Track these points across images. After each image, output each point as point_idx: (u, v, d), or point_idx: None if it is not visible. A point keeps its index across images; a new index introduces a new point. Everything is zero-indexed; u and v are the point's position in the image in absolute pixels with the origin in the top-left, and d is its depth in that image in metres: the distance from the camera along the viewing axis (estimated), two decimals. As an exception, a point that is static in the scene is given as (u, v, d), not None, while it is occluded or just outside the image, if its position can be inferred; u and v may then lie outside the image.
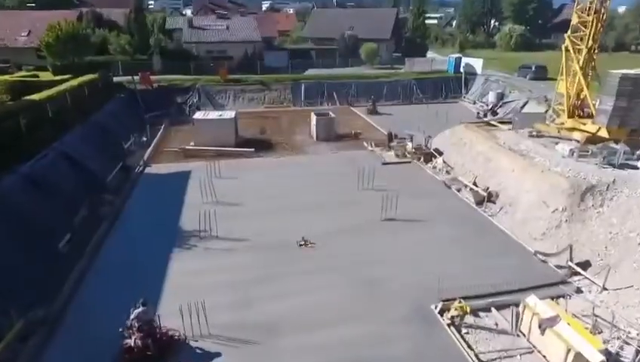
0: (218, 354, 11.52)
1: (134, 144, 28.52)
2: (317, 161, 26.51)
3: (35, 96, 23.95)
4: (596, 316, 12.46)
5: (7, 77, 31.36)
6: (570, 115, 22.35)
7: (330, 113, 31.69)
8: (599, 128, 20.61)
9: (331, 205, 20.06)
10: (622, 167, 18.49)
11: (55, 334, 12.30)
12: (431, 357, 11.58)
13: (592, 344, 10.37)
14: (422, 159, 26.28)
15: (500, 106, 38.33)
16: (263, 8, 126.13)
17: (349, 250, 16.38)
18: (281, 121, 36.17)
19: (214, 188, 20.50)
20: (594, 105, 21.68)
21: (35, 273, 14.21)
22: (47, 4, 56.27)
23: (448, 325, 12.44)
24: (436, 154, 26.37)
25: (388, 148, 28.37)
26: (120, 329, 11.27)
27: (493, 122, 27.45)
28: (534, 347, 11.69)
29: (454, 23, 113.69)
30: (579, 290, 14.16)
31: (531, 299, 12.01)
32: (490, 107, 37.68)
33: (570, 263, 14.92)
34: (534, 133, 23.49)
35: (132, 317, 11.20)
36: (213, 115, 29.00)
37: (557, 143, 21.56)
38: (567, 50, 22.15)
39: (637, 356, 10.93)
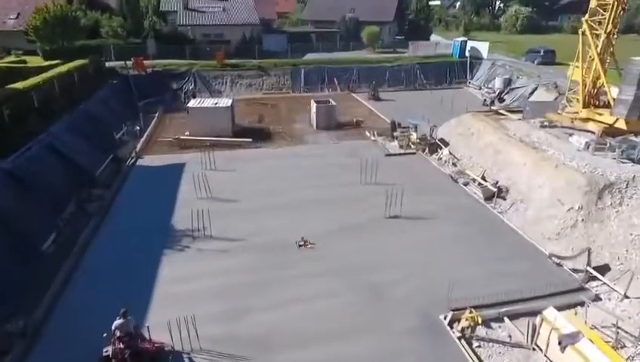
0: (209, 371, 10.68)
1: (127, 133, 27.33)
2: (317, 152, 25.36)
3: (20, 85, 22.65)
4: (618, 328, 11.54)
5: (-8, 62, 30.04)
6: (585, 105, 21.10)
7: (331, 100, 30.39)
8: (617, 119, 19.41)
9: (332, 201, 19.02)
10: (642, 161, 17.42)
11: (37, 344, 11.44)
12: (440, 375, 10.74)
13: (616, 363, 9.48)
14: (427, 150, 25.14)
15: (507, 92, 36.92)
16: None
17: (351, 251, 15.41)
18: (279, 108, 34.87)
19: (209, 182, 19.41)
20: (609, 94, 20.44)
21: (15, 278, 13.30)
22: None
23: (459, 338, 11.54)
24: (442, 144, 25.20)
25: (391, 138, 27.19)
26: (104, 335, 10.42)
27: (502, 111, 26.12)
28: (552, 363, 10.82)
29: (458, 5, 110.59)
30: (597, 298, 13.23)
31: (550, 312, 11.08)
32: (496, 94, 36.23)
33: (587, 268, 13.94)
34: (546, 124, 22.29)
35: (113, 327, 10.37)
36: (208, 103, 27.73)
37: (571, 135, 20.41)
38: (583, 34, 20.74)
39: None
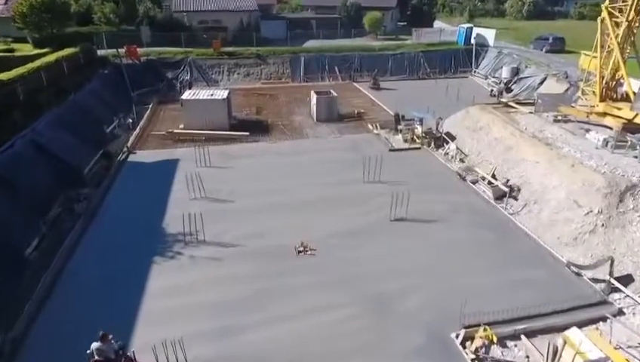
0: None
1: (118, 127, 26.13)
2: (318, 146, 24.19)
3: (3, 76, 21.41)
4: (646, 349, 10.60)
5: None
6: (603, 98, 19.87)
7: (332, 91, 29.09)
8: (637, 115, 18.21)
9: (333, 201, 17.95)
10: (665, 160, 16.29)
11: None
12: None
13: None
14: (432, 144, 23.98)
15: (515, 82, 35.55)
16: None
17: (354, 257, 14.40)
18: (278, 98, 33.55)
19: (204, 180, 18.31)
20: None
21: (-8, 290, 12.32)
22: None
23: (472, 360, 10.58)
24: (448, 139, 24.03)
25: (395, 132, 26.01)
26: (87, 351, 9.47)
27: (511, 103, 24.85)
28: (575, 389, 9.88)
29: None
30: (621, 312, 12.26)
31: (574, 334, 10.09)
32: (504, 84, 34.82)
33: (609, 278, 12.94)
34: (560, 118, 21.09)
35: (91, 348, 9.41)
36: (203, 94, 26.43)
37: (587, 131, 19.23)
38: (602, 22, 19.40)
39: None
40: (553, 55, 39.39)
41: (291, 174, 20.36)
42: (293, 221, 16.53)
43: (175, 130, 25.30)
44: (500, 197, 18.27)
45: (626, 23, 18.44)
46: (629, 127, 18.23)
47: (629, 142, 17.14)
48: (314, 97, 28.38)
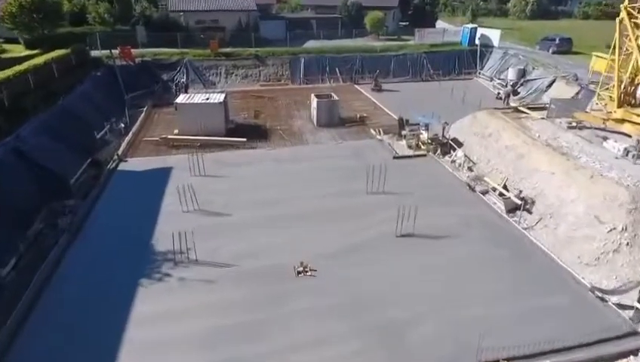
0: None
1: (110, 132, 24.97)
2: (318, 153, 23.06)
3: (-14, 80, 20.32)
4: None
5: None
6: (621, 104, 18.75)
7: (333, 95, 27.93)
8: (659, 122, 17.12)
9: (335, 214, 16.83)
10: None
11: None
12: None
13: None
14: (439, 151, 22.85)
15: (521, 85, 34.42)
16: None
17: (358, 279, 13.29)
18: (277, 101, 32.41)
19: (197, 190, 17.22)
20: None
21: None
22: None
23: (492, 403, 9.49)
24: (455, 145, 22.90)
25: (399, 137, 24.89)
26: None
27: (522, 108, 23.70)
28: None
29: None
30: (653, 344, 11.15)
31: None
32: (511, 86, 33.66)
33: (638, 305, 11.82)
34: (574, 124, 19.97)
35: None
36: (198, 98, 25.29)
37: (605, 139, 18.11)
38: (621, 22, 18.28)
39: None
40: (560, 56, 38.27)
41: (290, 184, 19.24)
42: (292, 236, 15.43)
43: (169, 136, 24.16)
44: (512, 210, 17.16)
45: (647, 24, 17.33)
46: (651, 136, 17.14)
47: (653, 153, 16.04)
48: (314, 101, 27.24)
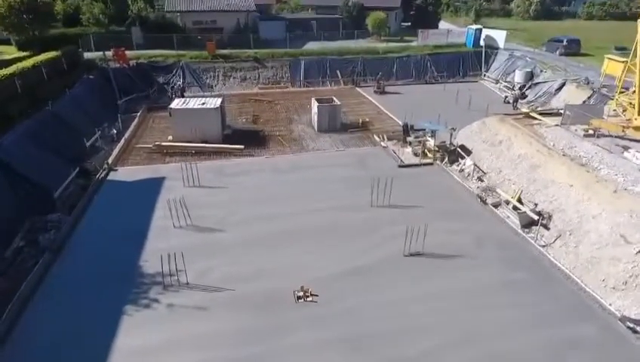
0: None
1: (101, 138, 23.84)
2: (319, 161, 21.90)
3: (-32, 84, 19.18)
4: None
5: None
6: (642, 111, 17.63)
7: (334, 99, 26.78)
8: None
9: (338, 230, 15.69)
10: None
11: None
12: None
13: None
14: (446, 159, 21.71)
15: (529, 88, 33.28)
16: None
17: (363, 306, 12.15)
18: (277, 105, 31.28)
19: (191, 203, 16.15)
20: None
21: None
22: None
23: None
24: (463, 153, 21.76)
25: (404, 143, 23.76)
26: None
27: (534, 114, 22.53)
28: None
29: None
30: (694, 384, 10.01)
31: None
32: (518, 90, 32.50)
33: (675, 338, 10.69)
34: (591, 132, 18.82)
35: None
36: (194, 103, 24.14)
37: (626, 148, 16.97)
38: (643, 25, 17.16)
39: None
40: (567, 58, 37.17)
41: (289, 196, 18.08)
42: (291, 256, 14.28)
43: (163, 143, 23.02)
44: (527, 225, 16.01)
45: (672, 26, 16.20)
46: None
47: (681, 165, 14.89)
48: (315, 105, 26.08)
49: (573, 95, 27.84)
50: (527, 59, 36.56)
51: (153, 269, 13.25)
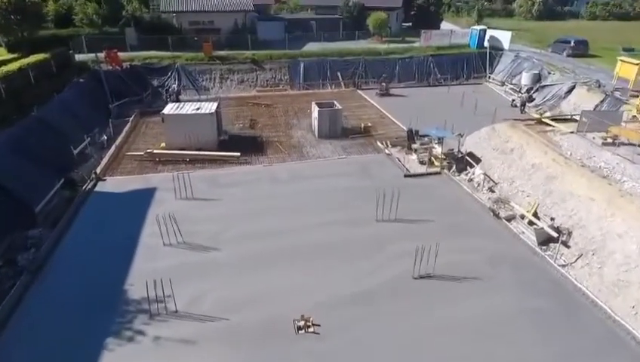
0: None
1: (90, 145, 22.64)
2: (320, 170, 20.72)
3: (-54, 90, 18.00)
4: None
5: None
6: (665, 118, 16.50)
7: (335, 103, 25.61)
8: None
9: (341, 248, 14.52)
10: None
11: None
12: None
13: None
14: (454, 168, 20.55)
15: (536, 90, 32.13)
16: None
17: (369, 338, 11.00)
18: (275, 109, 30.13)
19: (183, 217, 15.09)
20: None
21: None
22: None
23: None
24: (471, 161, 20.62)
25: (408, 150, 22.63)
26: None
27: (546, 120, 21.37)
28: None
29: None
30: None
31: None
32: (527, 93, 31.37)
33: None
34: (609, 140, 17.69)
35: None
36: (188, 108, 22.95)
37: (650, 159, 15.84)
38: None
39: None
40: (574, 59, 36.07)
41: (288, 210, 16.90)
42: (290, 278, 13.13)
43: (155, 151, 21.84)
44: (545, 242, 14.87)
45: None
46: None
47: None
48: (315, 110, 24.91)
49: (584, 99, 26.74)
50: (534, 60, 35.43)
51: (139, 294, 12.08)
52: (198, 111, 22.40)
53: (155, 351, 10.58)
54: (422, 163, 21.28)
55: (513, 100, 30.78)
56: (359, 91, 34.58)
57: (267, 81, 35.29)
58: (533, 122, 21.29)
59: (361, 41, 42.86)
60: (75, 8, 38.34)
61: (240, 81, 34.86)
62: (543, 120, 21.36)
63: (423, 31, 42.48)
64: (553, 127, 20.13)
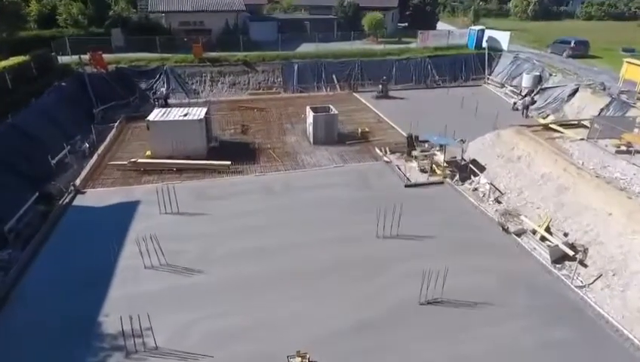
0: None
1: (70, 154, 21.23)
2: (316, 180, 19.50)
3: None
4: None
5: None
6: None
7: (331, 107, 24.40)
8: None
9: (340, 271, 13.29)
10: None
11: None
12: None
13: None
14: (457, 177, 19.43)
15: (537, 93, 31.15)
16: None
17: (375, 376, 9.80)
18: (268, 113, 28.89)
19: (167, 235, 13.82)
20: None
21: None
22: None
23: None
24: (475, 169, 19.51)
25: (408, 157, 21.48)
26: None
27: (554, 126, 20.31)
28: None
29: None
30: None
31: None
32: (528, 95, 30.37)
33: None
34: (623, 148, 16.65)
35: None
36: (175, 114, 21.65)
37: (669, 169, 14.80)
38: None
39: None
40: (576, 60, 35.18)
41: (282, 225, 15.66)
42: (283, 305, 11.90)
43: (139, 160, 20.50)
44: (558, 260, 13.76)
45: None
46: None
47: None
48: (310, 115, 23.67)
49: (588, 102, 25.75)
50: (534, 61, 34.44)
51: (115, 328, 10.76)
52: (186, 118, 21.12)
53: (130, 398, 9.31)
54: (423, 171, 20.16)
55: (514, 103, 29.78)
56: (355, 94, 33.42)
57: (260, 83, 34.01)
58: (539, 128, 20.23)
59: (356, 42, 41.64)
60: (59, 8, 36.83)
61: (231, 84, 33.53)
62: (550, 126, 20.28)
63: (420, 31, 41.34)
64: (561, 133, 19.08)
